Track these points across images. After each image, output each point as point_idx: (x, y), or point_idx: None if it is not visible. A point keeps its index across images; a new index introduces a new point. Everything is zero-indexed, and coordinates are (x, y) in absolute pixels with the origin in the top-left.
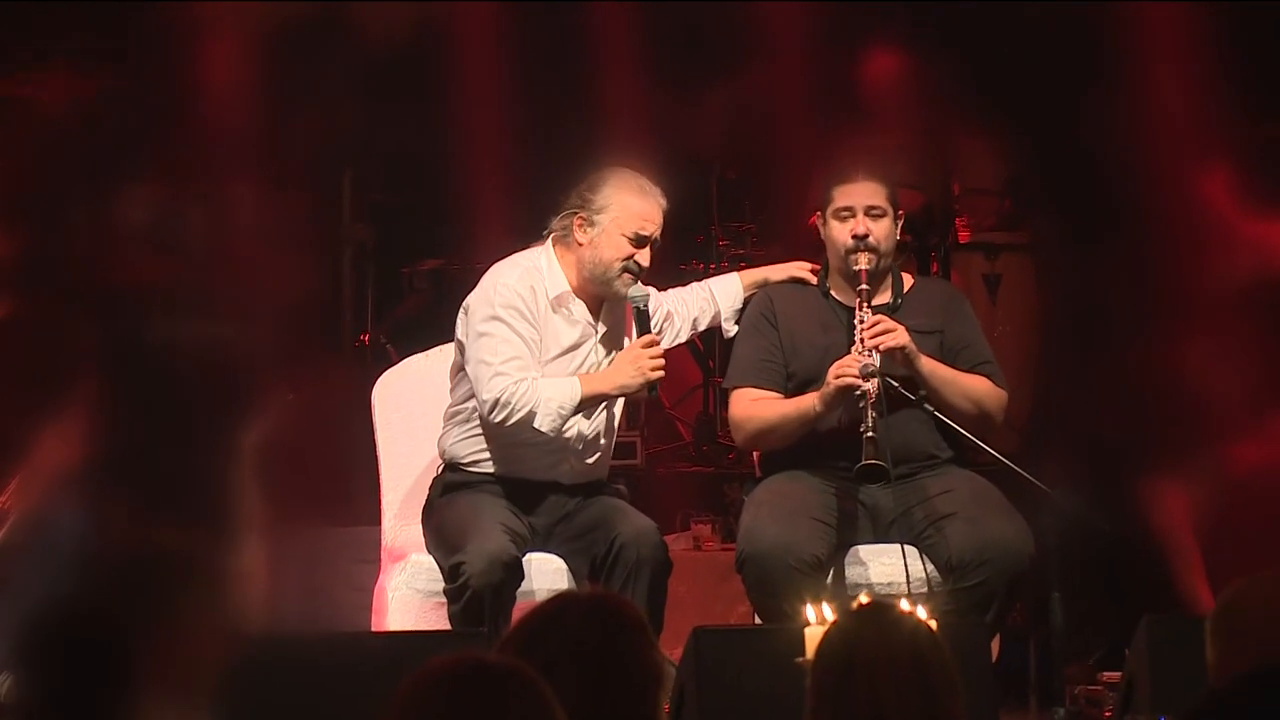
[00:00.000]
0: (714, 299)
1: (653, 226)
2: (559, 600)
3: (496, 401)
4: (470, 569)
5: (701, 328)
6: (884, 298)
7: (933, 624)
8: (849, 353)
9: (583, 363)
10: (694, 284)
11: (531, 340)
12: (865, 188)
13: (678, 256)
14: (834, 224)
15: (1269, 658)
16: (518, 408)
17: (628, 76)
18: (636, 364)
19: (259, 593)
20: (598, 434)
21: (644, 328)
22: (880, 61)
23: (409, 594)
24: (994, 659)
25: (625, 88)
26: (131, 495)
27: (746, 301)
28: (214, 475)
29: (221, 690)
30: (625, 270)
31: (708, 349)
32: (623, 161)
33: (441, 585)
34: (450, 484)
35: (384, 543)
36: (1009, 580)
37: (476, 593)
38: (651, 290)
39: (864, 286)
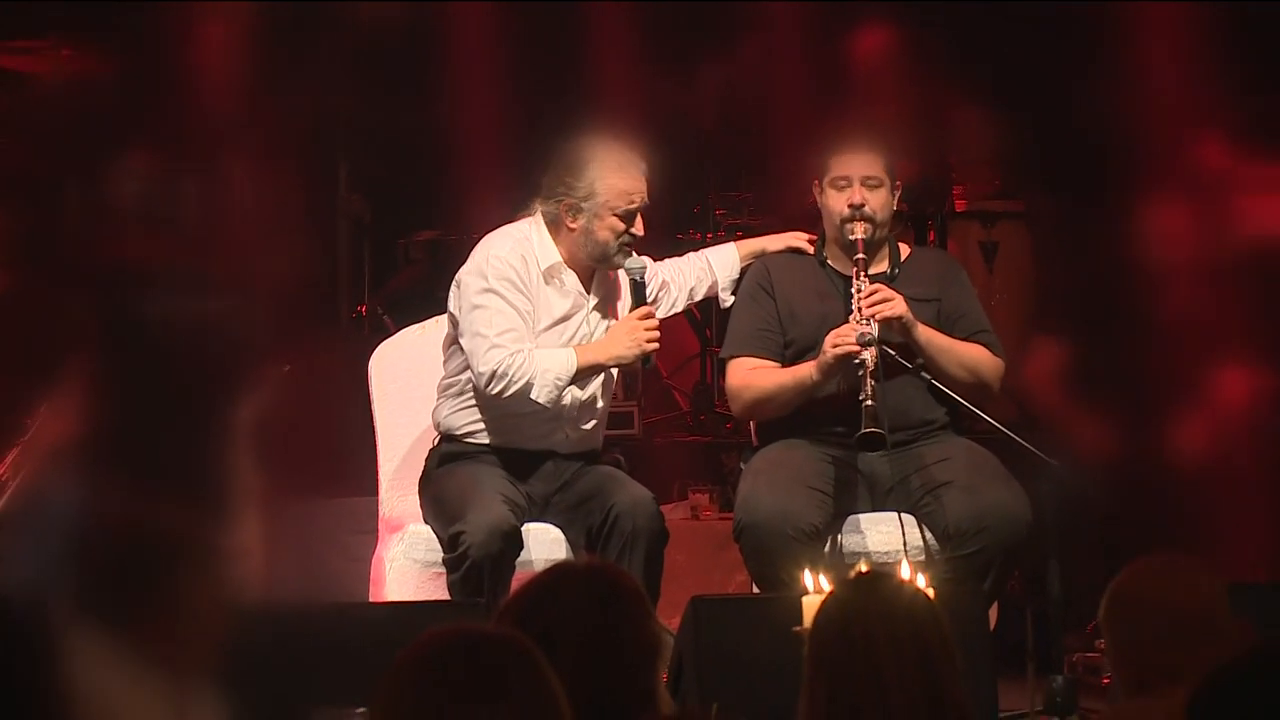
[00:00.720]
0: (711, 268)
1: (640, 197)
2: (556, 571)
3: (494, 374)
4: (470, 538)
5: (698, 297)
6: (881, 267)
7: (930, 592)
8: (846, 321)
9: (575, 333)
10: (690, 254)
11: (526, 311)
12: (862, 158)
13: (675, 227)
14: (831, 193)
15: (1162, 643)
16: (515, 379)
17: (622, 46)
18: (632, 335)
19: (256, 566)
20: (592, 402)
21: (640, 299)
22: (876, 30)
23: (407, 564)
24: (992, 627)
25: (620, 58)
26: (128, 471)
27: (743, 271)
28: (211, 450)
29: (220, 664)
30: (623, 245)
31: (705, 318)
32: (602, 131)
33: (439, 555)
34: (447, 455)
35: (381, 513)
36: (1007, 548)
37: (476, 562)
38: (647, 260)
39: (860, 256)
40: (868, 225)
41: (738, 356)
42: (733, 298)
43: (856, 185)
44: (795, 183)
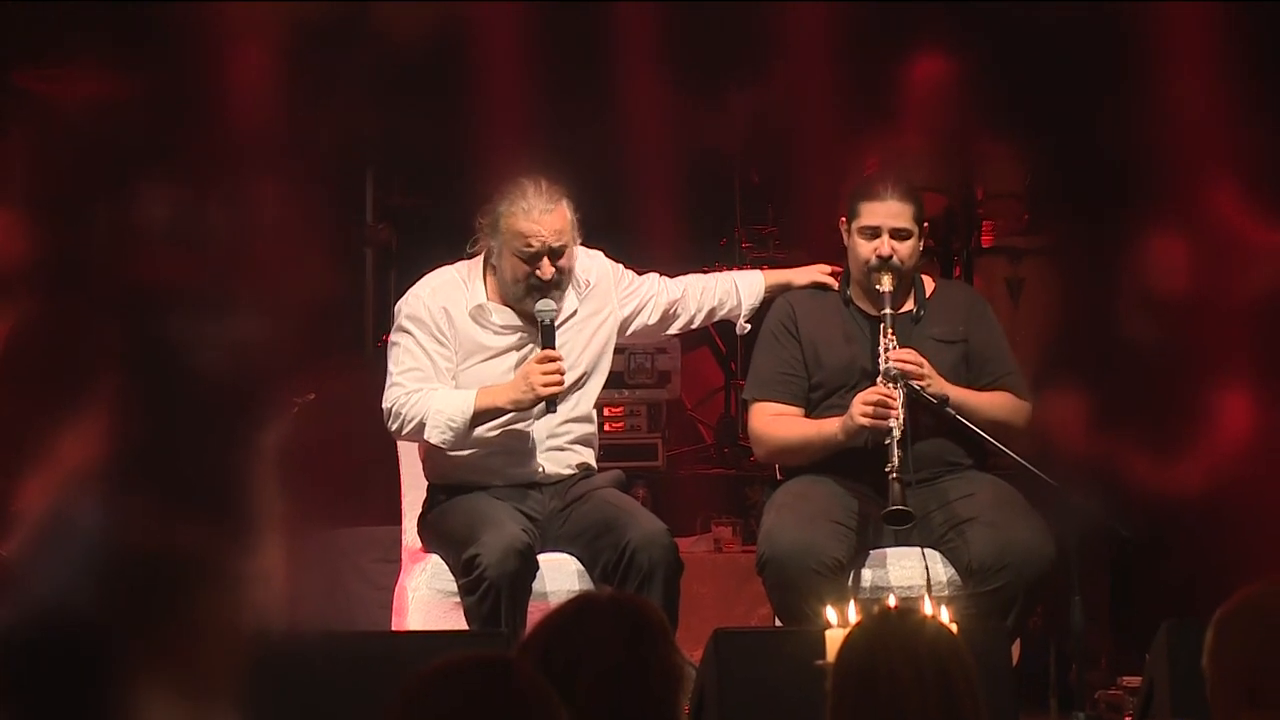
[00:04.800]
0: (736, 291)
1: (539, 242)
2: (580, 602)
3: (389, 411)
4: (486, 559)
5: (717, 318)
6: (907, 307)
7: (954, 628)
8: (874, 366)
9: (516, 365)
10: (719, 274)
11: (437, 354)
12: (892, 207)
13: (700, 259)
14: (858, 240)
15: (1270, 665)
16: (407, 419)
17: (652, 78)
18: (528, 379)
19: (279, 592)
20: (560, 430)
21: (547, 342)
22: (904, 65)
23: (429, 594)
24: (1014, 663)
25: (649, 89)
26: (153, 495)
27: (766, 303)
28: (235, 475)
29: (241, 689)
30: (531, 288)
31: (730, 352)
32: (528, 169)
33: None
34: (441, 494)
35: (404, 542)
36: (1029, 584)
37: (493, 583)
38: (570, 293)
39: (887, 311)
40: (894, 276)
41: (761, 401)
42: (749, 326)
43: (885, 237)
44: (822, 218)
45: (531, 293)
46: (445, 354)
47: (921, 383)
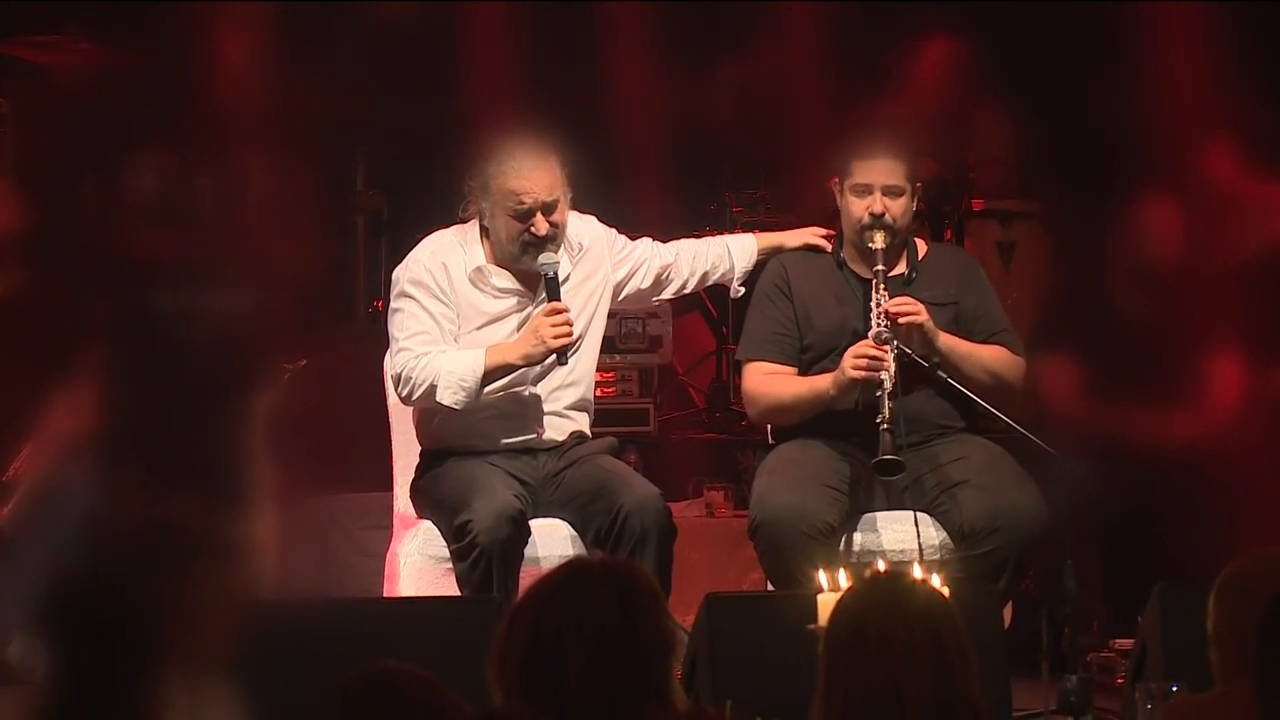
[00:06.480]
0: (729, 255)
1: (531, 199)
2: (571, 567)
3: (398, 377)
4: (478, 525)
5: (710, 282)
6: (899, 269)
7: (945, 591)
8: (865, 326)
9: (518, 328)
10: (711, 238)
11: (441, 315)
12: (884, 165)
13: (691, 224)
14: (851, 199)
15: None
16: (418, 383)
17: (639, 42)
18: (537, 333)
19: (272, 560)
20: (556, 395)
21: (552, 294)
22: (897, 30)
23: (421, 560)
24: (1006, 626)
25: (637, 53)
26: (143, 465)
27: (759, 266)
28: (226, 444)
29: (234, 658)
30: (526, 245)
31: (721, 316)
32: (518, 133)
33: None
34: (434, 460)
35: (396, 508)
36: (1021, 547)
37: (484, 549)
38: (563, 255)
39: (880, 267)
40: (887, 234)
41: (754, 360)
42: (743, 289)
43: (878, 194)
44: (813, 181)
45: (527, 250)
46: (449, 314)
47: (919, 319)
